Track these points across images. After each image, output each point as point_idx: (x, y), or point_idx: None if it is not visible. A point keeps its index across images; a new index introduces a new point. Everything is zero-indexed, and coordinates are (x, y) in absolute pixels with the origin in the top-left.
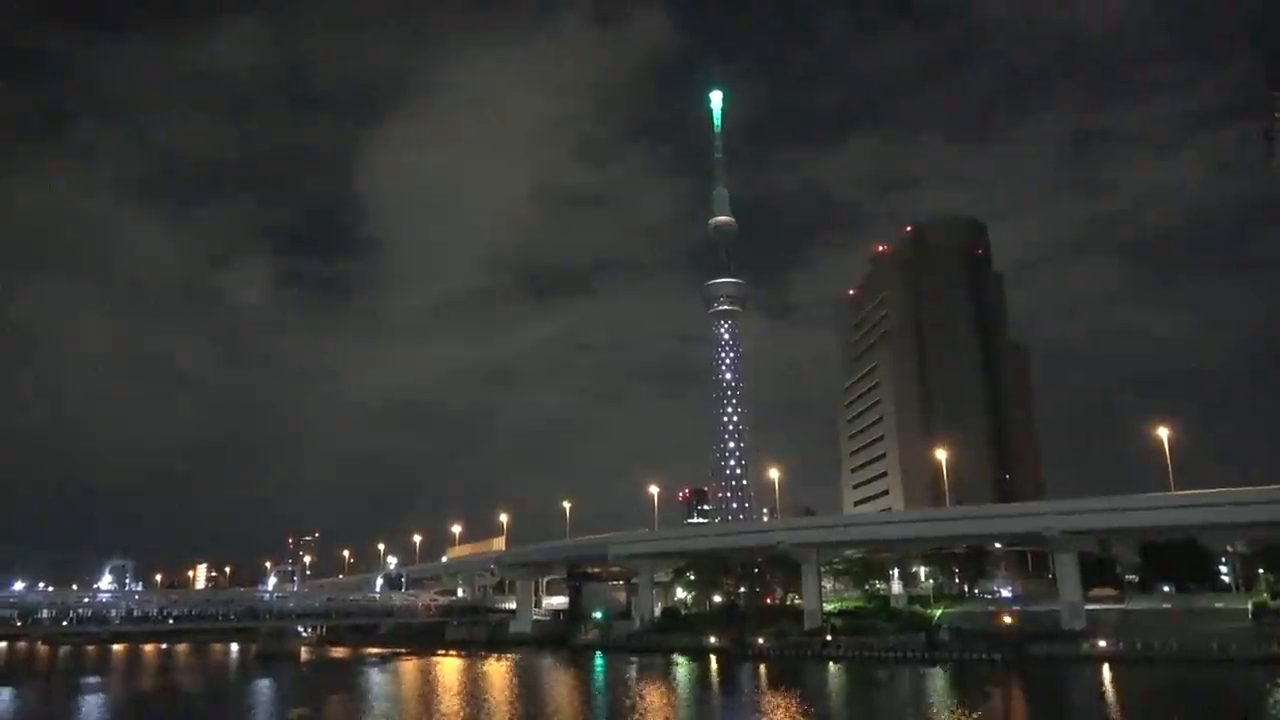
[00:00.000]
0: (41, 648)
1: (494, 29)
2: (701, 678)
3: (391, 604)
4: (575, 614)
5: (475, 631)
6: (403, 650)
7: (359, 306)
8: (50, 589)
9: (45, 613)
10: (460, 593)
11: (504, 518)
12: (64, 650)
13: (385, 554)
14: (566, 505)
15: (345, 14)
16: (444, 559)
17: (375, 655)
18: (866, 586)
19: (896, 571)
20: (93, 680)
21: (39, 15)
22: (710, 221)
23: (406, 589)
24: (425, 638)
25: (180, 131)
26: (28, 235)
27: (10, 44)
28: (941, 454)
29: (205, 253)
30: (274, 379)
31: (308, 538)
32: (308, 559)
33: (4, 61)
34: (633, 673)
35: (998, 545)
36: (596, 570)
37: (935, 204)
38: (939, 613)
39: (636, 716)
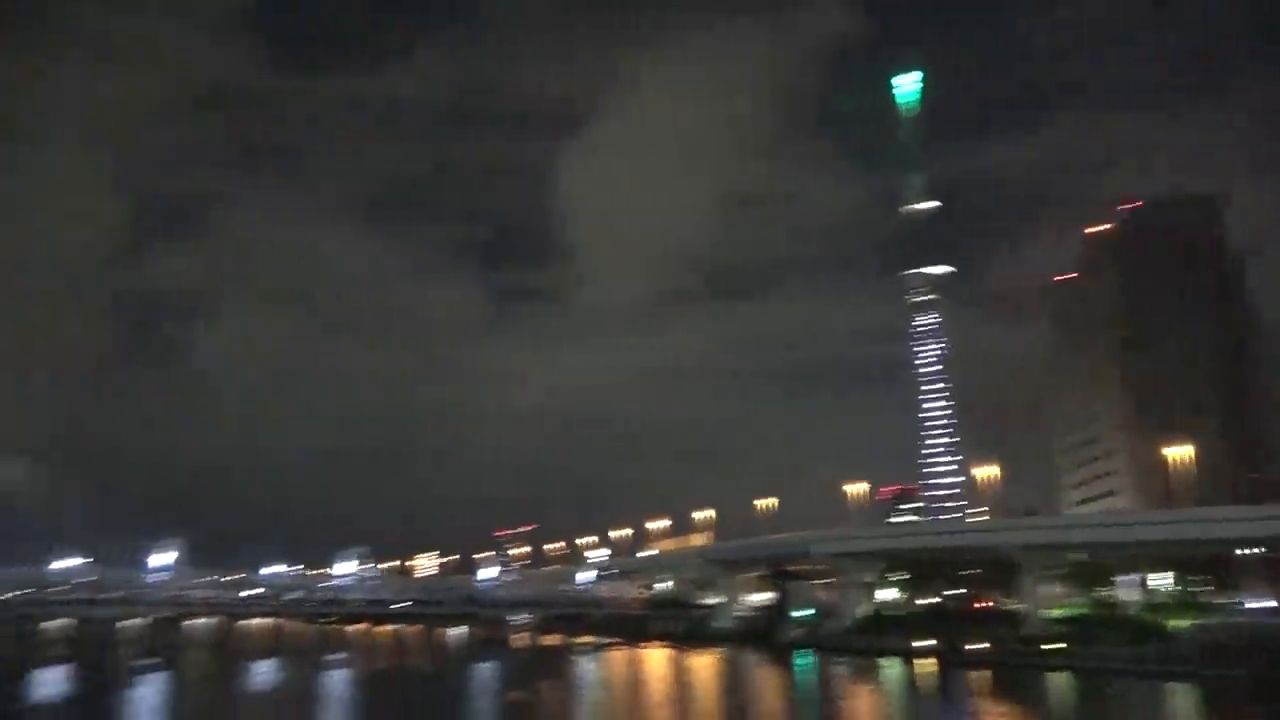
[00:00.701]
0: (290, 626)
1: (669, 35)
2: (913, 683)
3: (598, 596)
4: (779, 612)
5: (678, 625)
6: (609, 640)
7: (549, 312)
8: (300, 571)
9: (295, 594)
10: (659, 587)
11: (705, 514)
12: (310, 629)
13: (589, 548)
14: (767, 502)
15: (519, 36)
16: (646, 554)
17: (584, 644)
18: (1093, 593)
19: (1127, 577)
20: (338, 657)
21: (263, 61)
22: (903, 210)
23: (610, 582)
24: (629, 629)
25: (379, 160)
26: (249, 254)
27: (236, 82)
28: (1176, 450)
29: (409, 268)
30: (472, 385)
31: (518, 531)
32: (518, 551)
33: (230, 100)
34: (840, 674)
35: (1247, 550)
36: (799, 568)
37: (1153, 181)
38: (1178, 623)
39: None
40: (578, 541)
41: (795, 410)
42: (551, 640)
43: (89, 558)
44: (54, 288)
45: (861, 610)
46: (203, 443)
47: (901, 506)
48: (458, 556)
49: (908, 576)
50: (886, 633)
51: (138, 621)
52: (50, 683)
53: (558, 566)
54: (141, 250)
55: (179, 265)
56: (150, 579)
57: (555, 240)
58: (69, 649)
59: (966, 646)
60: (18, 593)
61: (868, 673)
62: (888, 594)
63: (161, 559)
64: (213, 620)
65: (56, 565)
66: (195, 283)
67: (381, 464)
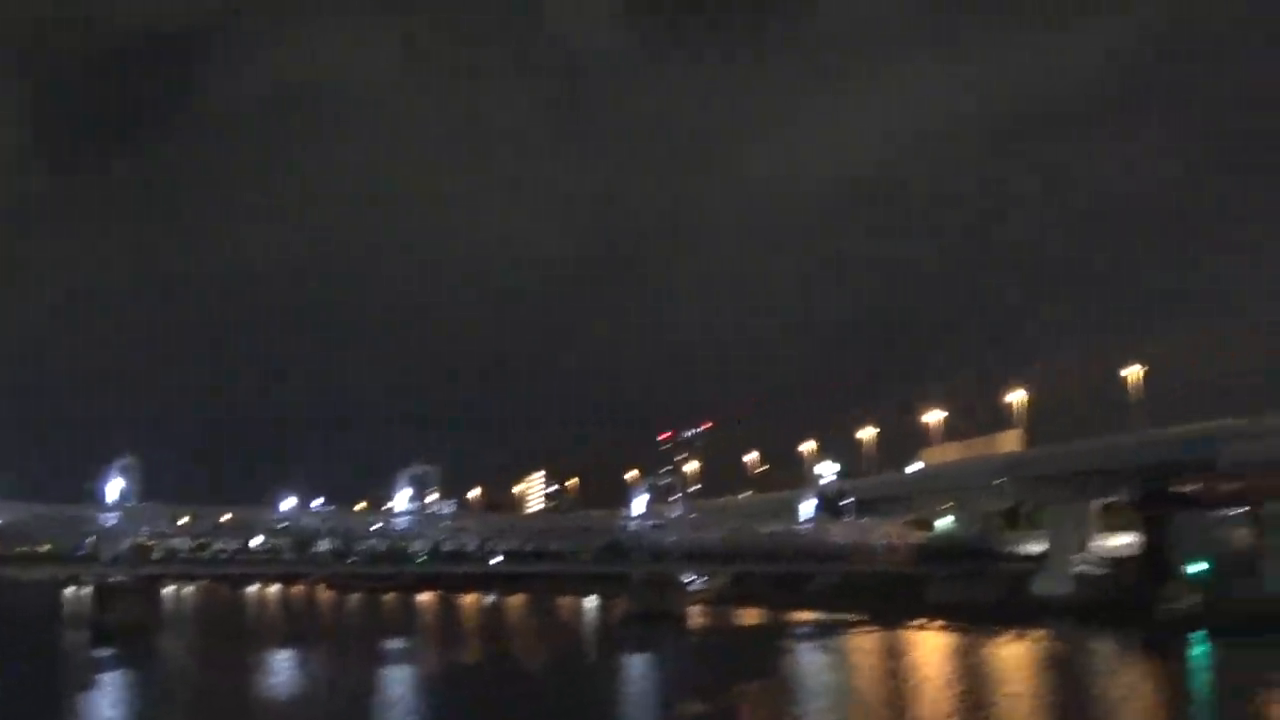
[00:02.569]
0: (324, 593)
1: None
2: None
3: (833, 541)
4: (1156, 565)
5: (976, 590)
6: (853, 617)
7: (773, 34)
8: (331, 508)
9: (326, 544)
10: (940, 526)
11: (1018, 397)
12: (354, 598)
13: (817, 457)
14: (1135, 371)
15: None
16: (916, 467)
17: (808, 623)
18: None
19: None
20: (396, 645)
21: None
22: None
23: (855, 516)
24: (891, 597)
25: None
26: None
27: None
28: None
29: None
30: (649, 152)
31: (692, 432)
32: (693, 467)
33: None
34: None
35: None
36: (1194, 490)
37: None
38: None
39: None
40: (797, 450)
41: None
42: (753, 616)
43: (11, 495)
44: None
45: None
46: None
47: None
48: (587, 480)
49: None
50: None
51: (83, 589)
52: None
53: (753, 494)
54: None
55: None
56: (101, 522)
57: None
58: None
59: None
60: None
61: None
62: None
63: (113, 492)
64: (200, 584)
65: None
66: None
67: (487, 311)
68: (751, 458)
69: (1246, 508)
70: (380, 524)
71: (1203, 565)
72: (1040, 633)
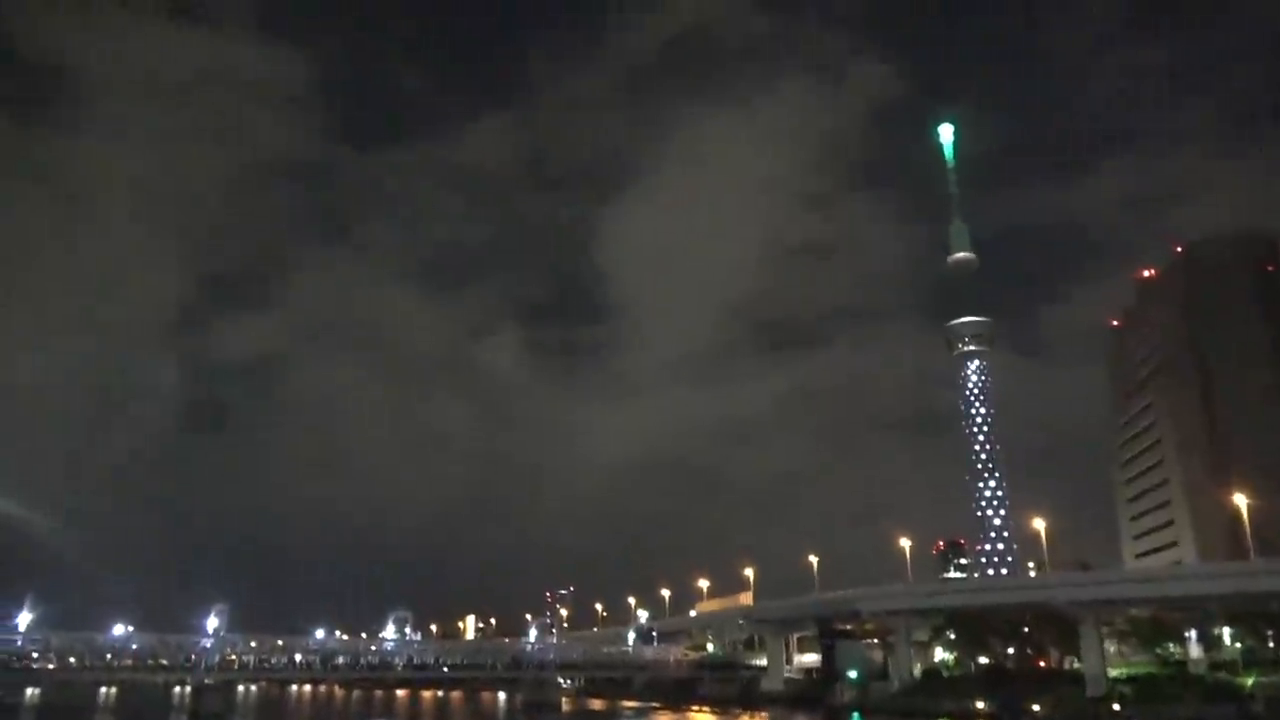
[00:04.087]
0: (337, 691)
1: (715, 98)
2: None
3: (645, 658)
4: (829, 673)
5: (727, 689)
6: (656, 704)
7: (601, 368)
8: (344, 638)
9: (341, 659)
10: (710, 648)
11: (749, 572)
12: (355, 694)
13: (636, 608)
14: (813, 559)
15: (578, 100)
16: (692, 613)
17: (631, 708)
18: (1158, 650)
19: (1194, 634)
20: None
21: (326, 134)
22: (949, 259)
23: (657, 643)
24: (677, 693)
25: (440, 223)
26: (315, 320)
27: (301, 157)
28: (1241, 499)
29: (464, 326)
30: (525, 440)
31: (563, 591)
32: (564, 612)
33: (297, 172)
34: None
35: None
36: (849, 627)
37: (1203, 222)
38: (1251, 681)
39: None
40: (627, 601)
41: (852, 462)
42: (598, 704)
43: (139, 624)
44: (125, 361)
45: (916, 670)
46: (257, 506)
47: (956, 561)
48: (498, 620)
49: (963, 635)
50: (943, 694)
51: (188, 688)
52: None
53: (599, 629)
54: (209, 320)
55: (245, 333)
56: (200, 644)
57: (607, 298)
58: (122, 716)
59: (1028, 708)
60: (73, 660)
61: None
62: (943, 654)
63: (211, 624)
64: (260, 685)
65: (114, 632)
66: (261, 348)
67: (434, 526)
68: (597, 607)
69: (878, 639)
70: (375, 646)
71: (854, 673)
72: (766, 713)
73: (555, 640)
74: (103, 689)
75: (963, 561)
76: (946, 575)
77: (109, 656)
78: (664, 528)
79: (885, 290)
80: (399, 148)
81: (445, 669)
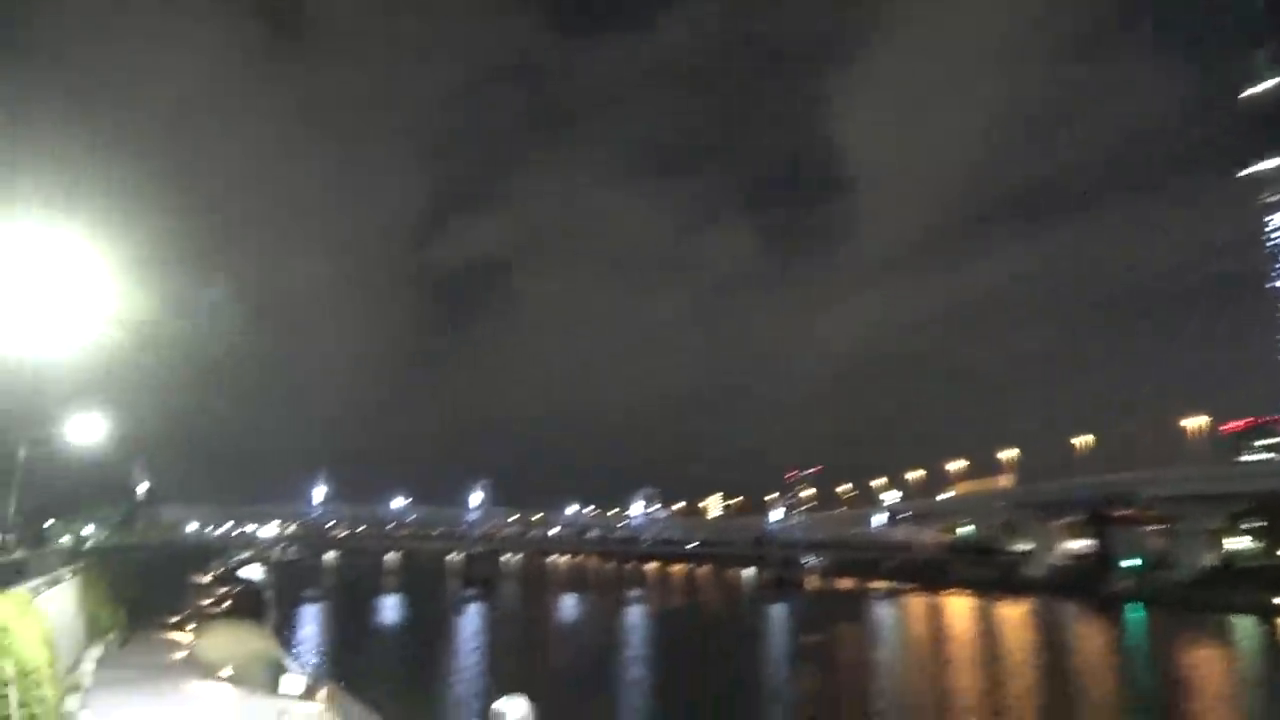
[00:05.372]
0: (594, 562)
1: None
2: (1276, 644)
3: (894, 539)
4: (1102, 560)
5: (983, 572)
6: (907, 586)
7: (833, 252)
8: (595, 512)
9: (594, 533)
10: (962, 531)
11: (1010, 455)
12: (609, 565)
13: (883, 489)
14: (1084, 440)
15: None
16: (944, 496)
17: (880, 589)
18: None
19: None
20: (635, 593)
21: (543, 30)
22: (1243, 96)
23: (907, 526)
24: (929, 575)
25: (656, 113)
26: (535, 221)
27: (520, 60)
28: None
29: (687, 216)
30: (755, 330)
31: (808, 471)
32: (807, 493)
33: (518, 74)
34: (1181, 631)
35: None
36: (1125, 513)
37: None
38: None
39: (1195, 695)
40: (871, 484)
41: (1120, 340)
42: (844, 584)
43: (416, 499)
44: (371, 268)
45: (1205, 560)
46: (503, 399)
47: (1257, 443)
48: (743, 499)
49: (1265, 523)
50: (1236, 586)
51: (458, 555)
52: (392, 608)
53: (846, 509)
54: (441, 226)
55: (475, 237)
56: (467, 518)
57: (841, 170)
58: (404, 578)
59: None
60: (362, 528)
61: (1216, 631)
62: (1238, 542)
63: (475, 499)
64: (520, 556)
65: (393, 505)
66: (490, 252)
67: (675, 410)
68: (845, 488)
69: (1160, 525)
70: (624, 521)
71: (1135, 561)
72: (1027, 600)
73: (801, 520)
74: (388, 554)
75: (1266, 443)
76: (1246, 459)
77: (391, 525)
78: (905, 415)
79: (1159, 142)
80: (611, 41)
81: (692, 545)
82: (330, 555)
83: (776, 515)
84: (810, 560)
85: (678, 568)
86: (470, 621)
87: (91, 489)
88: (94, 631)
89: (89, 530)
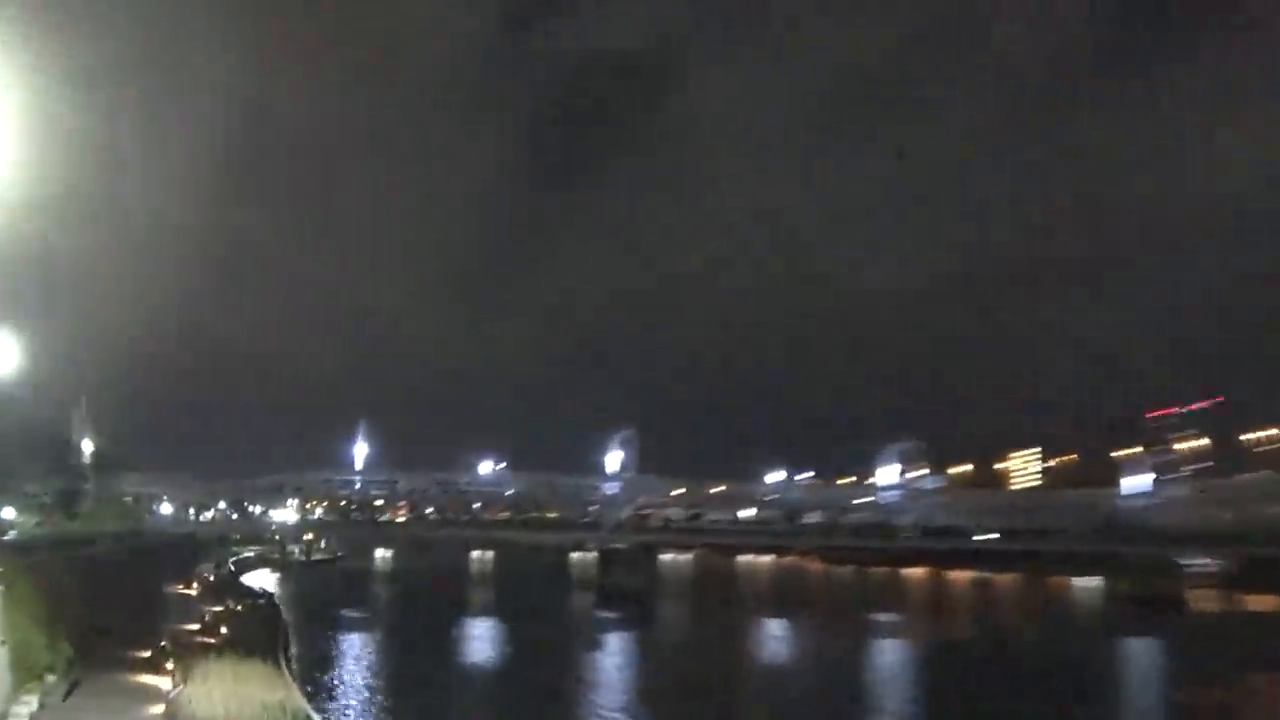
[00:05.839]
0: (814, 564)
1: None
2: None
3: None
4: None
5: None
6: None
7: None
8: (813, 480)
9: (816, 516)
10: None
11: None
12: (843, 570)
13: None
14: None
15: None
16: None
17: None
18: None
19: None
20: (884, 618)
21: None
22: None
23: None
24: None
25: None
26: None
27: None
28: None
29: None
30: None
31: (1191, 407)
32: (1190, 445)
33: None
34: None
35: None
36: None
37: None
38: None
39: None
40: None
41: None
42: (1265, 603)
43: (516, 463)
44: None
45: None
46: (662, 294)
47: None
48: (1072, 457)
49: None
50: None
51: (587, 553)
52: (481, 639)
53: (1270, 473)
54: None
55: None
56: (602, 492)
57: None
58: (500, 588)
59: None
60: (431, 510)
61: None
62: None
63: (613, 460)
64: (690, 554)
65: (480, 471)
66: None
67: (931, 311)
68: (1257, 435)
69: None
70: (866, 498)
71: None
72: None
73: (1177, 492)
74: (474, 550)
75: None
76: None
77: (479, 505)
78: None
79: None
80: None
81: (989, 535)
82: (382, 552)
83: (1136, 483)
84: (1199, 562)
85: (960, 574)
86: (610, 663)
87: (10, 451)
88: (23, 673)
89: (8, 515)
